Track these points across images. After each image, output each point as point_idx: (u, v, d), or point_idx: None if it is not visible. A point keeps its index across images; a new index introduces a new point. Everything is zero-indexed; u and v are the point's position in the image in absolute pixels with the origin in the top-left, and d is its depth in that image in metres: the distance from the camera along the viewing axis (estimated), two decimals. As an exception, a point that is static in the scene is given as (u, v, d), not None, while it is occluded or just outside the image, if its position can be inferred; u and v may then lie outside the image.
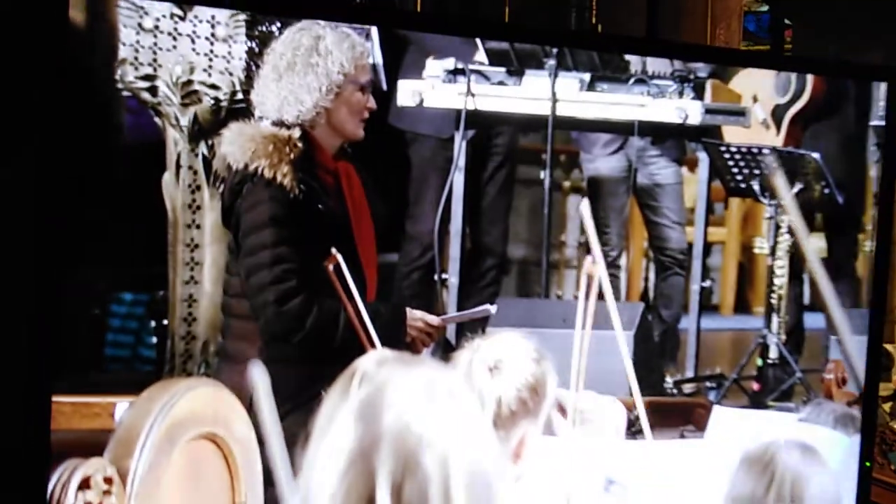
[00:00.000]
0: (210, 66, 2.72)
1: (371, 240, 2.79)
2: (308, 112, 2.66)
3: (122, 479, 2.19)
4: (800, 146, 3.55)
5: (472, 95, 3.15)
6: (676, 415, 3.19)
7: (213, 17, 2.69)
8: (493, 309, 2.88)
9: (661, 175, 3.61)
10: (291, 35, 2.65)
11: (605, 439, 2.64)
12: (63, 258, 2.20)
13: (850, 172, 3.60)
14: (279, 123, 2.65)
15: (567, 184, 3.96)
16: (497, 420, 2.16)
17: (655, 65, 3.26)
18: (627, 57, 3.28)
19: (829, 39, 3.88)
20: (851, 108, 3.63)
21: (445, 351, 2.89)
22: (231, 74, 2.74)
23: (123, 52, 2.65)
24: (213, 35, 2.71)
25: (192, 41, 2.69)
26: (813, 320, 3.69)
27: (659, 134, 3.45)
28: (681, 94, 3.20)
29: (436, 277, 3.28)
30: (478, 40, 3.19)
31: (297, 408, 2.34)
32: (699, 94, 3.22)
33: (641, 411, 2.61)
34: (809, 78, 3.60)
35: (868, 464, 2.85)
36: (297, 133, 2.65)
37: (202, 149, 2.74)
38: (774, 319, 3.44)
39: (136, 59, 2.66)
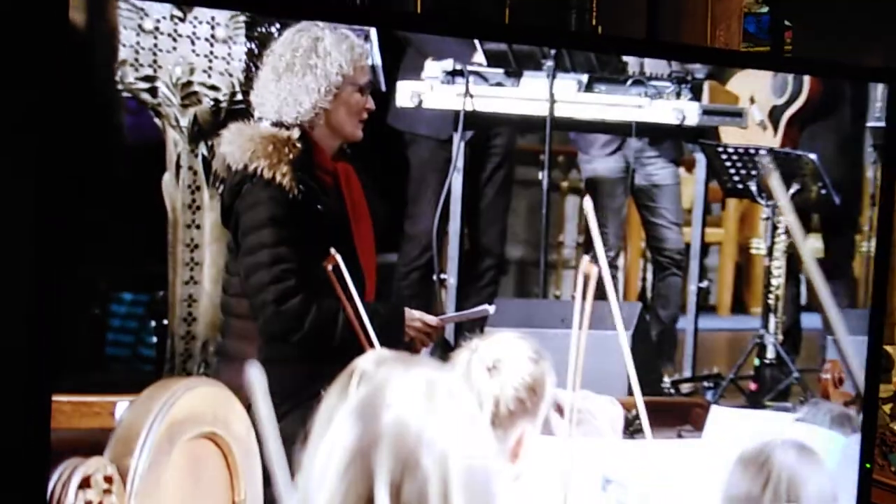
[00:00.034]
0: (210, 68, 2.72)
1: (370, 240, 2.80)
2: (307, 113, 2.66)
3: (122, 478, 2.20)
4: (797, 147, 3.55)
5: (471, 96, 3.15)
6: (674, 415, 3.18)
7: (212, 19, 2.69)
8: (491, 309, 2.89)
9: (659, 176, 3.60)
10: (290, 36, 2.65)
11: (602, 439, 2.65)
12: (64, 258, 2.20)
13: (847, 173, 3.60)
14: (278, 124, 2.65)
15: (565, 184, 3.95)
16: (495, 420, 2.16)
17: (653, 66, 3.26)
18: (625, 58, 3.28)
19: (829, 41, 3.88)
20: (848, 109, 3.63)
21: (444, 351, 2.89)
22: (231, 75, 2.74)
23: (123, 53, 2.66)
24: (212, 36, 2.71)
25: (192, 42, 2.70)
26: (810, 320, 3.69)
27: (656, 135, 3.45)
28: (678, 95, 3.20)
29: (434, 278, 3.28)
30: (476, 41, 3.20)
31: (297, 407, 2.34)
32: (697, 96, 3.22)
33: (642, 411, 2.62)
34: (806, 79, 3.60)
35: (868, 465, 2.84)
36: (296, 134, 2.65)
37: (202, 149, 2.75)
38: (771, 320, 3.44)
39: (136, 60, 2.66)
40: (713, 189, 3.50)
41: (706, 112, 3.24)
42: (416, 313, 2.82)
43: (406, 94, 3.14)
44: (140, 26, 2.65)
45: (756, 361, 3.44)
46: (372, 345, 2.58)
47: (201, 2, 2.68)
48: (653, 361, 3.38)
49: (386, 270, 3.18)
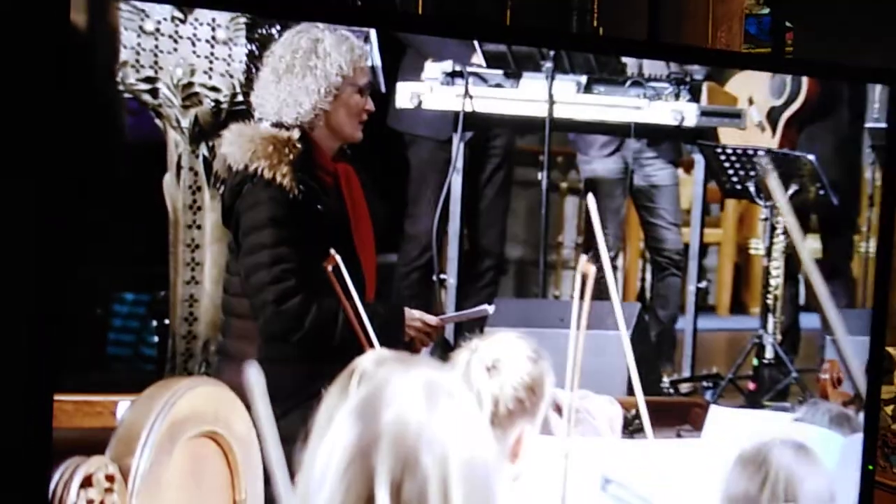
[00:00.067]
0: (210, 69, 2.72)
1: (370, 240, 2.80)
2: (307, 114, 2.67)
3: (123, 477, 2.19)
4: (795, 148, 3.55)
5: (470, 98, 3.16)
6: (673, 414, 3.18)
7: (213, 20, 2.70)
8: (490, 309, 2.90)
9: (658, 177, 3.61)
10: (290, 38, 2.66)
11: (601, 439, 2.65)
12: (65, 258, 2.20)
13: (845, 174, 3.61)
14: (278, 125, 2.66)
15: (564, 185, 3.96)
16: (494, 419, 2.15)
17: (652, 67, 3.26)
18: (623, 59, 3.28)
19: (830, 42, 3.88)
20: (846, 110, 3.64)
21: (444, 351, 2.89)
22: (231, 77, 2.74)
23: (125, 54, 2.66)
24: (213, 38, 2.72)
25: (193, 44, 2.70)
26: (809, 320, 3.70)
27: (655, 136, 3.45)
28: (677, 96, 3.20)
29: (434, 278, 3.28)
30: (475, 43, 3.21)
31: (297, 406, 2.32)
32: (695, 97, 3.22)
33: (643, 410, 2.62)
34: (804, 80, 3.60)
35: (871, 467, 2.84)
36: (296, 134, 2.66)
37: (203, 150, 2.75)
38: (770, 320, 3.44)
39: (137, 61, 2.67)
40: (712, 190, 3.50)
41: (704, 113, 3.24)
42: (416, 313, 2.82)
43: (406, 95, 3.15)
44: (141, 28, 2.66)
45: (755, 361, 3.44)
46: (372, 345, 2.59)
47: (202, 3, 2.68)
48: (652, 361, 3.38)
49: (386, 270, 3.19)
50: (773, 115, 3.63)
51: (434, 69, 3.15)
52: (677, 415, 3.18)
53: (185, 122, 2.73)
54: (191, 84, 2.71)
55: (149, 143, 2.79)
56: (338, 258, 2.54)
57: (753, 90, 3.60)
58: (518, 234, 3.65)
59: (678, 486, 2.52)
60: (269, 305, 2.64)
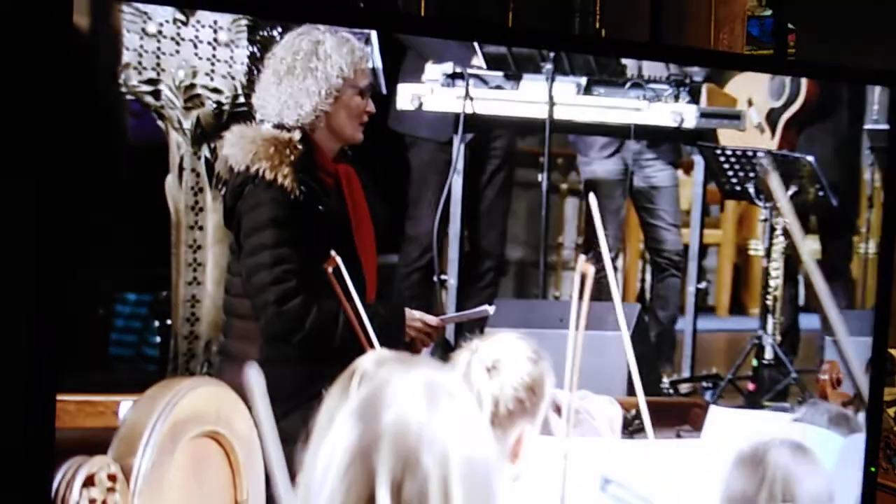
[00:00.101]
0: (212, 71, 2.73)
1: (371, 241, 2.80)
2: (307, 115, 2.67)
3: (125, 477, 2.20)
4: (794, 149, 3.56)
5: (471, 99, 3.16)
6: (673, 415, 3.18)
7: (215, 23, 2.70)
8: (491, 310, 2.90)
9: (657, 178, 3.61)
10: (291, 39, 2.66)
11: (601, 439, 2.66)
12: (68, 259, 2.21)
13: (845, 175, 3.61)
14: (280, 126, 2.66)
15: (564, 186, 3.96)
16: (495, 419, 2.14)
17: (651, 69, 3.27)
18: (624, 61, 3.29)
19: (833, 44, 3.88)
20: (845, 112, 3.64)
21: (444, 351, 2.89)
22: (233, 78, 2.75)
23: (127, 56, 2.67)
24: (215, 40, 2.72)
25: (195, 46, 2.71)
26: (808, 321, 3.71)
27: (655, 137, 3.45)
28: (676, 97, 3.21)
29: (435, 278, 3.29)
30: (476, 45, 3.21)
31: (298, 407, 2.33)
32: (695, 98, 3.22)
33: (644, 410, 2.62)
34: (804, 82, 3.61)
35: (873, 469, 2.83)
36: (297, 136, 2.66)
37: (205, 151, 2.76)
38: (770, 320, 3.44)
39: (139, 63, 2.68)
40: (711, 191, 3.51)
41: (704, 115, 3.24)
42: (417, 314, 2.82)
43: (406, 96, 3.16)
44: (143, 30, 2.66)
45: (754, 362, 3.44)
46: (372, 345, 2.59)
47: (204, 5, 2.69)
48: (652, 362, 3.39)
49: (387, 271, 3.19)
50: (772, 117, 3.63)
51: (434, 71, 3.16)
52: (677, 415, 3.19)
53: (187, 124, 2.73)
54: (193, 86, 2.72)
55: (151, 145, 2.79)
56: (338, 259, 2.54)
57: (753, 92, 3.61)
58: (518, 236, 3.65)
59: (678, 486, 2.52)
60: (270, 306, 2.64)
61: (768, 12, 4.46)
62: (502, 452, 2.12)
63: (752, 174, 3.36)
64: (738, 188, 3.40)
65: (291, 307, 2.64)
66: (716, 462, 2.35)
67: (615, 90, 3.22)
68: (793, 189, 3.28)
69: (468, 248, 3.39)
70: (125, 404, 2.40)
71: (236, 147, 2.64)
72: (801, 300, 3.72)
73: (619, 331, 2.62)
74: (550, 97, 3.15)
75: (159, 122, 2.74)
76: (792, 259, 3.47)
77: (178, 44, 2.69)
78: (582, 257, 2.38)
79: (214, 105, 2.74)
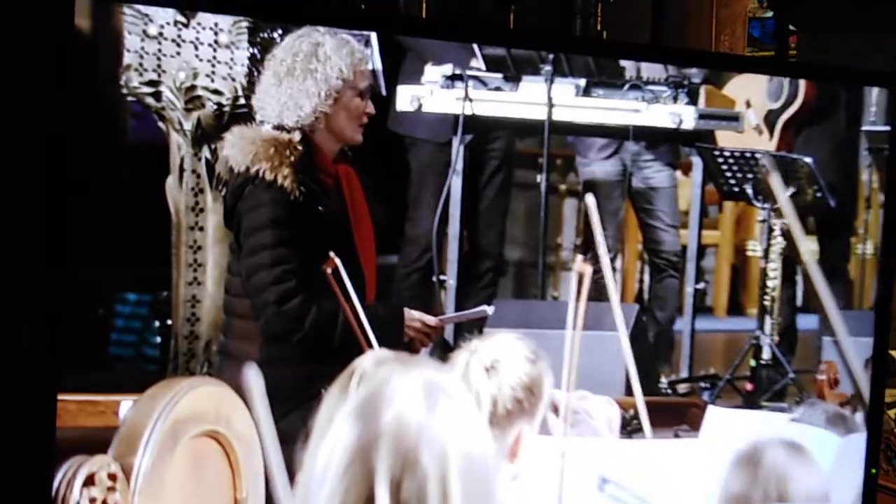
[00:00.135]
0: (213, 72, 2.73)
1: (370, 241, 2.80)
2: (307, 117, 2.67)
3: (126, 476, 2.20)
4: (792, 151, 3.56)
5: (470, 101, 3.17)
6: (671, 414, 3.19)
7: (216, 25, 2.71)
8: (490, 310, 2.90)
9: (656, 179, 3.62)
10: (291, 41, 2.66)
11: (599, 439, 2.66)
12: (70, 259, 2.21)
13: (842, 176, 3.62)
14: (279, 127, 2.66)
15: (563, 187, 3.96)
16: (493, 419, 2.14)
17: (650, 71, 3.27)
18: (622, 63, 3.29)
19: (834, 46, 3.88)
20: (843, 113, 3.65)
21: (443, 351, 2.89)
22: (233, 80, 2.75)
23: (128, 58, 2.68)
24: (215, 41, 2.73)
25: (196, 47, 2.71)
26: (805, 322, 3.71)
27: (653, 138, 3.46)
28: (675, 99, 3.21)
29: (434, 279, 3.29)
30: (475, 46, 3.22)
31: (298, 407, 2.33)
32: (693, 100, 3.22)
33: (642, 410, 2.62)
34: (802, 84, 3.61)
35: (874, 471, 2.82)
36: (297, 137, 2.66)
37: (205, 152, 2.76)
38: (767, 321, 3.44)
39: (140, 65, 2.68)
40: (710, 192, 3.51)
41: (702, 116, 3.24)
42: (416, 314, 2.83)
43: (406, 98, 3.16)
44: (144, 32, 2.67)
45: (752, 362, 3.45)
46: (371, 345, 2.59)
47: (204, 7, 2.69)
48: (650, 362, 3.39)
49: (387, 272, 3.20)
50: (770, 119, 3.64)
51: (434, 73, 3.16)
52: (675, 415, 3.19)
53: (188, 125, 2.74)
54: (193, 87, 2.72)
55: (152, 146, 2.80)
56: (337, 261, 2.55)
57: (751, 93, 3.61)
58: (517, 236, 3.66)
59: (676, 485, 2.52)
60: (269, 306, 2.64)
61: (769, 14, 4.46)
62: (501, 452, 2.12)
63: (750, 175, 3.36)
64: (736, 189, 3.40)
65: (291, 307, 2.64)
66: (713, 462, 2.36)
67: (614, 92, 3.23)
68: (791, 190, 3.28)
69: (467, 249, 3.39)
70: (125, 404, 2.41)
71: (236, 148, 2.64)
72: (799, 301, 3.73)
73: (617, 331, 2.63)
74: (549, 99, 3.15)
75: (160, 124, 2.74)
76: (790, 260, 3.48)
77: (178, 46, 2.70)
78: (579, 257, 2.38)
79: (215, 106, 2.74)
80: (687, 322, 3.49)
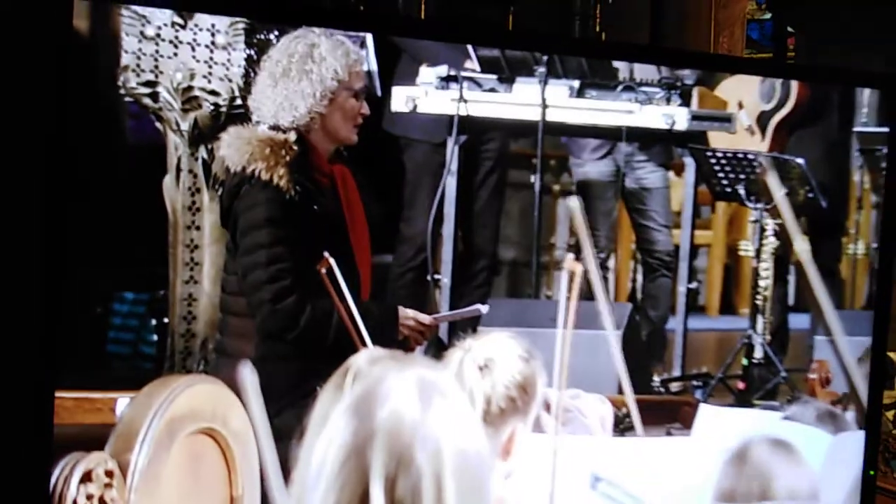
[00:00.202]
0: (210, 73, 2.74)
1: (366, 241, 2.81)
2: (302, 117, 2.68)
3: (122, 473, 2.21)
4: (784, 152, 3.57)
5: (465, 102, 3.17)
6: (664, 413, 3.19)
7: (213, 26, 2.71)
8: (484, 309, 2.90)
9: (649, 179, 3.62)
10: (287, 42, 2.67)
11: (592, 437, 2.67)
12: (67, 258, 2.22)
13: (834, 177, 3.63)
14: (275, 128, 2.67)
15: (557, 187, 3.96)
16: (486, 417, 2.14)
17: (643, 72, 3.28)
18: (616, 64, 3.30)
19: (832, 47, 3.88)
20: (835, 114, 3.65)
21: (438, 350, 2.89)
22: (230, 81, 2.76)
23: (126, 59, 2.68)
24: (213, 43, 2.73)
25: (193, 49, 2.71)
26: (797, 321, 3.72)
27: (646, 139, 3.46)
28: (668, 100, 3.21)
29: (429, 278, 3.30)
30: (470, 48, 3.22)
31: (293, 404, 2.33)
32: (686, 101, 3.22)
33: (633, 409, 2.63)
34: (794, 85, 3.62)
35: (872, 472, 2.82)
36: (292, 137, 2.67)
37: (202, 153, 2.77)
38: (759, 320, 3.44)
39: (138, 66, 2.68)
40: (702, 192, 3.51)
41: (695, 117, 3.24)
42: (410, 312, 2.83)
43: (401, 99, 3.16)
44: (142, 33, 2.67)
45: (744, 361, 3.44)
46: (366, 343, 2.60)
47: (201, 8, 2.70)
48: (643, 361, 3.40)
49: (382, 271, 3.20)
50: (762, 120, 3.64)
51: (429, 74, 3.16)
52: (668, 413, 3.20)
53: (185, 126, 2.74)
54: (190, 88, 2.73)
55: (149, 146, 2.80)
56: (331, 261, 2.55)
57: (743, 95, 3.61)
58: (511, 236, 3.66)
59: (668, 483, 2.53)
60: (265, 304, 2.65)
61: (768, 16, 4.46)
62: (494, 450, 2.13)
63: (742, 176, 3.37)
64: (728, 190, 3.41)
65: (286, 305, 2.65)
66: (705, 459, 2.37)
67: (607, 93, 3.22)
68: (783, 191, 3.29)
69: (462, 248, 3.39)
70: (122, 401, 2.41)
71: (233, 148, 2.65)
72: (791, 300, 3.73)
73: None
74: (543, 100, 3.16)
75: (157, 124, 2.74)
76: (782, 259, 3.48)
77: (176, 47, 2.70)
78: (570, 256, 2.39)
79: (212, 107, 2.75)
80: (679, 321, 3.50)
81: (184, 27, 2.69)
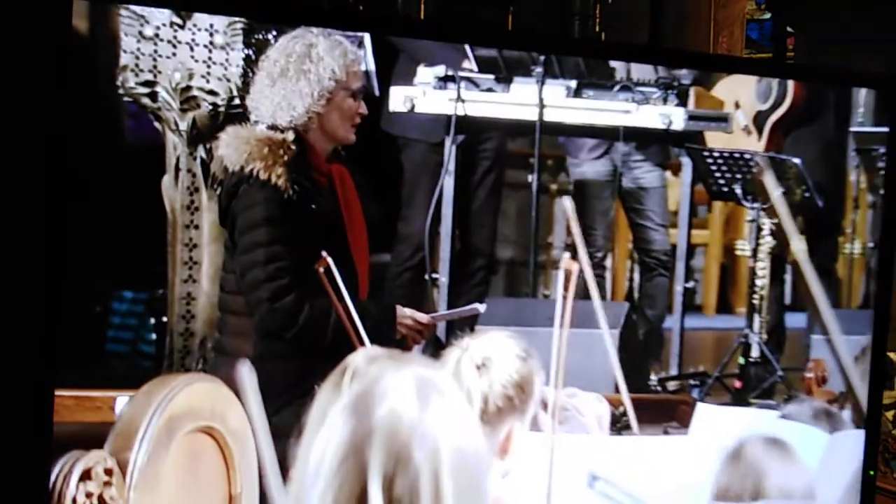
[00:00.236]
0: (208, 73, 2.74)
1: (364, 240, 2.81)
2: (300, 117, 2.68)
3: (122, 471, 2.22)
4: (781, 151, 3.57)
5: (462, 101, 3.17)
6: (661, 411, 3.20)
7: (211, 26, 2.72)
8: (481, 308, 2.91)
9: (646, 179, 3.62)
10: (285, 43, 2.67)
11: (589, 435, 2.68)
12: (67, 257, 2.22)
13: (830, 177, 3.63)
14: (273, 127, 2.67)
15: (554, 187, 3.95)
16: (484, 416, 2.14)
17: (640, 72, 3.28)
18: (612, 64, 3.30)
19: (831, 48, 3.88)
20: (832, 114, 3.66)
21: (435, 349, 2.90)
22: (228, 81, 2.76)
23: (125, 59, 2.68)
24: (211, 43, 2.73)
25: (191, 49, 2.72)
26: (794, 320, 3.73)
27: (643, 139, 3.46)
28: (665, 100, 3.22)
29: (426, 277, 3.30)
30: (467, 48, 3.23)
31: (291, 403, 2.34)
32: (683, 101, 3.23)
33: (629, 407, 2.64)
34: (790, 85, 3.63)
35: (872, 472, 2.82)
36: (290, 136, 2.67)
37: (200, 152, 2.77)
38: (756, 319, 3.44)
39: (136, 65, 2.69)
40: (699, 192, 3.52)
41: (692, 117, 3.25)
42: (408, 311, 2.83)
43: (399, 98, 3.17)
44: (141, 33, 2.67)
45: (741, 360, 3.45)
46: (364, 343, 2.61)
47: (200, 7, 2.70)
48: (640, 360, 3.40)
49: (380, 270, 3.21)
50: (759, 120, 3.64)
51: (426, 74, 3.16)
52: (665, 412, 3.20)
53: (184, 125, 2.75)
54: (189, 88, 2.73)
55: (148, 146, 2.80)
56: (329, 260, 2.56)
57: (740, 95, 3.62)
58: (509, 235, 3.66)
59: (665, 482, 2.53)
60: (263, 303, 2.65)
61: (767, 16, 4.46)
62: (492, 449, 2.13)
63: (739, 175, 3.37)
64: (725, 189, 3.41)
65: (284, 304, 2.66)
66: (702, 458, 2.37)
67: (604, 93, 3.23)
68: (780, 190, 3.29)
69: (459, 248, 3.40)
70: (122, 400, 2.41)
71: (231, 147, 2.65)
72: (787, 299, 3.74)
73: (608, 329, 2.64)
74: (541, 100, 3.16)
75: (156, 124, 2.75)
76: (778, 259, 3.49)
77: (174, 47, 2.70)
78: (566, 255, 2.40)
79: (210, 107, 2.75)
80: (676, 320, 3.50)
81: (182, 27, 2.70)
